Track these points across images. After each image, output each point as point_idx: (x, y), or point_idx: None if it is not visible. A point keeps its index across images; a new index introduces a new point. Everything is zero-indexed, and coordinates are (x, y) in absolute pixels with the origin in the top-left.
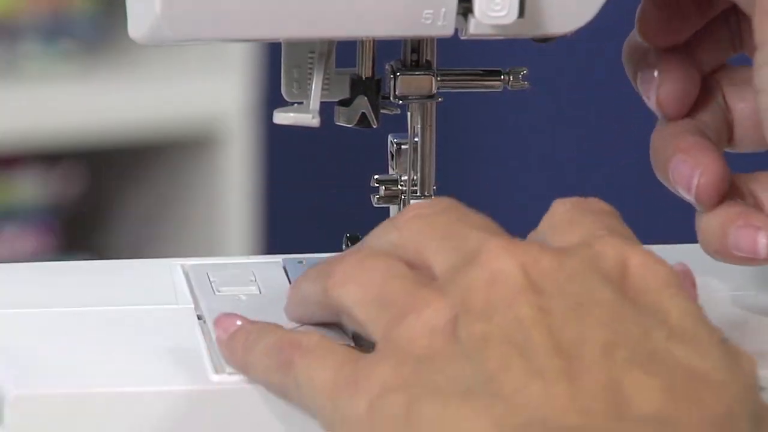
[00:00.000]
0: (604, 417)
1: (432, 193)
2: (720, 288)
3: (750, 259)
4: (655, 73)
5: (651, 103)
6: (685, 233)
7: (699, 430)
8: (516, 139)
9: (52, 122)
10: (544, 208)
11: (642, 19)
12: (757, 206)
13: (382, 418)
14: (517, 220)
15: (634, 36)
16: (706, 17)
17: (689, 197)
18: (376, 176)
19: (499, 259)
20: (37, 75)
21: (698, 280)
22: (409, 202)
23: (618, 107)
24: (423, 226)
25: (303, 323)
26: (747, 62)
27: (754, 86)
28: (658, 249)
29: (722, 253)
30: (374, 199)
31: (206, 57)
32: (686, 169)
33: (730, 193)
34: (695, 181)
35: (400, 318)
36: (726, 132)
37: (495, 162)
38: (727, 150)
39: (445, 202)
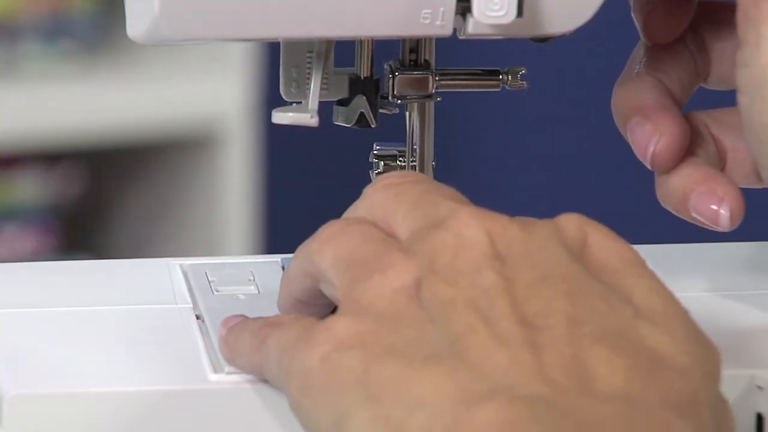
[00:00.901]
0: (569, 391)
1: (431, 167)
2: (720, 288)
3: (709, 224)
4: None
5: (639, 25)
6: (686, 233)
7: (662, 411)
8: (514, 138)
9: (52, 122)
10: (544, 207)
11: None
12: (720, 153)
13: (337, 373)
14: None
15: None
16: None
17: (645, 163)
18: (374, 151)
19: (467, 225)
20: (37, 75)
21: (697, 280)
22: None
23: None
24: (392, 195)
25: (294, 310)
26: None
27: (736, 86)
28: (658, 249)
29: (681, 213)
30: (373, 174)
31: (206, 57)
32: (644, 133)
33: (691, 143)
34: (651, 149)
35: (364, 277)
36: (694, 78)
37: (493, 162)
38: (703, 86)
39: (415, 174)
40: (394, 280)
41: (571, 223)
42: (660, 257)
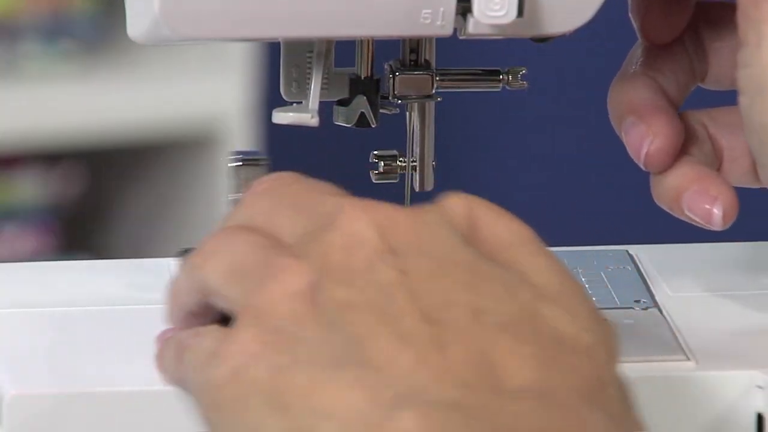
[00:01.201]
0: (480, 391)
1: (431, 167)
2: (720, 288)
3: (702, 223)
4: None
5: (637, 25)
6: (686, 233)
7: (574, 397)
8: (515, 138)
9: (52, 122)
10: (544, 207)
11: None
12: (716, 153)
13: (245, 386)
14: None
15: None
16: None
17: (639, 163)
18: (375, 152)
19: (355, 220)
20: (37, 75)
21: (697, 280)
22: (409, 202)
23: None
24: (271, 199)
25: (188, 323)
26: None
27: (736, 86)
28: (658, 249)
29: (675, 212)
30: (373, 175)
31: (206, 57)
32: (637, 135)
33: (686, 141)
34: (645, 149)
35: (258, 286)
36: (691, 78)
37: (494, 162)
38: (700, 86)
39: (290, 174)
40: (288, 285)
41: (458, 204)
42: (660, 257)
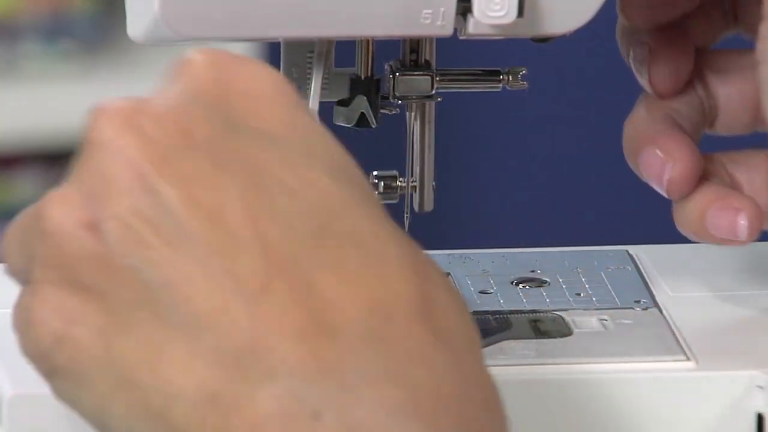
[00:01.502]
0: (324, 345)
1: (432, 193)
2: (720, 288)
3: (728, 240)
4: (648, 51)
5: (644, 81)
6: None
7: (409, 318)
8: (515, 139)
9: (52, 122)
10: (544, 207)
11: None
12: (735, 187)
13: (77, 355)
14: (517, 220)
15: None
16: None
17: (661, 191)
18: (375, 172)
19: (111, 132)
20: (37, 75)
21: (697, 280)
22: (409, 202)
23: (617, 107)
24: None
25: None
26: (733, 46)
27: (756, 57)
28: (659, 249)
29: (700, 235)
30: (372, 176)
31: None
32: (657, 162)
33: (705, 174)
34: (666, 176)
35: (39, 233)
36: (702, 119)
37: (494, 162)
38: (710, 133)
39: None
40: (62, 221)
41: (205, 69)
42: (660, 257)
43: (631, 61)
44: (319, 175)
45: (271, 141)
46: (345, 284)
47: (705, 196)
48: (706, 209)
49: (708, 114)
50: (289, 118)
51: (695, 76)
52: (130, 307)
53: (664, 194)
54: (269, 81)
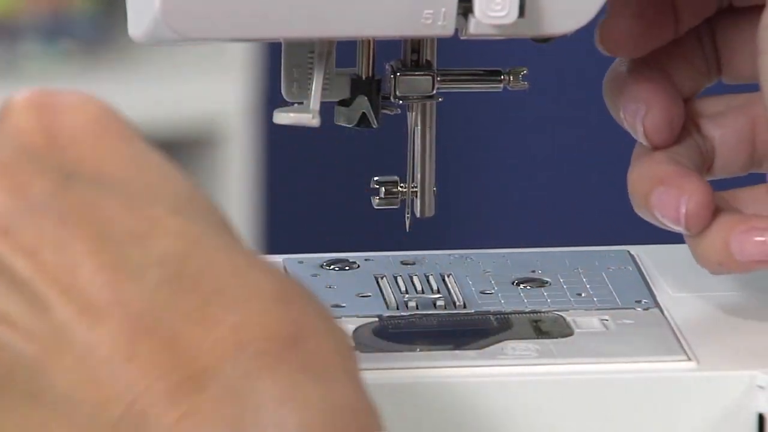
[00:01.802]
0: (190, 395)
1: (432, 193)
2: (721, 288)
3: (757, 263)
4: (640, 103)
5: (639, 134)
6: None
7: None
8: (516, 139)
9: None
10: (544, 207)
11: (605, 27)
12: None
13: None
14: (518, 220)
15: (614, 69)
16: (677, 29)
17: (678, 227)
18: (375, 177)
19: None
20: (37, 75)
21: (698, 281)
22: (409, 203)
23: None
24: None
25: None
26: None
27: (756, 47)
28: (660, 249)
29: (726, 264)
30: (374, 200)
31: (206, 57)
32: (671, 198)
33: (716, 210)
34: (683, 209)
35: None
36: (702, 162)
37: (495, 162)
38: (708, 178)
39: None
40: None
41: (26, 116)
42: (661, 257)
43: (622, 116)
44: (163, 213)
45: (109, 186)
46: (208, 329)
47: (725, 223)
48: (729, 235)
49: (706, 157)
50: (120, 156)
51: (688, 123)
52: (1, 391)
53: (682, 230)
54: (95, 118)
